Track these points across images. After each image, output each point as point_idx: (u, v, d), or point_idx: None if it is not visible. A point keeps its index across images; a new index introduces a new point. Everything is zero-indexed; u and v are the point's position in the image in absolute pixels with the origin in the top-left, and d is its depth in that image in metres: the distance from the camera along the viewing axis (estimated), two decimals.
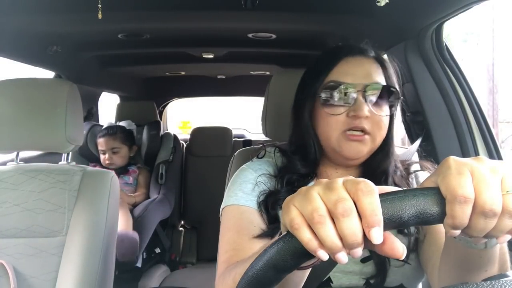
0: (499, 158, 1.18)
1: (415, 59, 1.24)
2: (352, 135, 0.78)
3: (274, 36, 1.65)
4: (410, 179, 0.86)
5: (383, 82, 0.81)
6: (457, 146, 1.20)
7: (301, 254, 0.41)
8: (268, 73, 2.69)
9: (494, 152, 1.17)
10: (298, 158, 0.87)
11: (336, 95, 0.79)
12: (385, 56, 0.89)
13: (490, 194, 0.38)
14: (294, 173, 0.85)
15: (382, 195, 0.40)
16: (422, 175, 0.87)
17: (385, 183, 0.81)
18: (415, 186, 0.84)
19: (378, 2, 0.99)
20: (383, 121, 0.79)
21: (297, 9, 1.30)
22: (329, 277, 0.78)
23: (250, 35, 1.64)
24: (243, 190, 0.84)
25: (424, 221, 0.40)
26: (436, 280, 0.69)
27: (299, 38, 1.73)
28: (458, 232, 0.40)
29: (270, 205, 0.81)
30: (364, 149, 0.79)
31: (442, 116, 1.22)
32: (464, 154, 1.17)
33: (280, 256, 0.42)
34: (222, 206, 0.86)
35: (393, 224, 0.40)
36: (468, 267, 0.56)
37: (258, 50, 1.92)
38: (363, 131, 0.78)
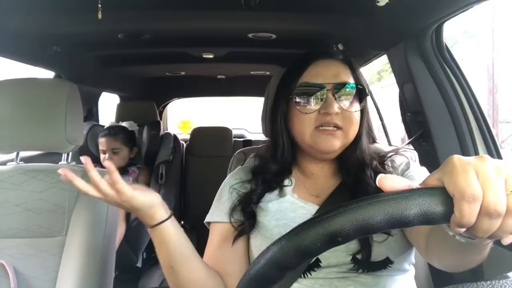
0: (499, 158, 1.17)
1: (415, 59, 1.24)
2: (324, 129, 0.84)
3: (274, 36, 1.65)
4: (386, 166, 0.90)
5: (352, 81, 0.87)
6: (457, 146, 1.20)
7: (304, 252, 0.41)
8: (268, 73, 2.69)
9: (494, 152, 1.17)
10: (270, 158, 0.93)
11: (308, 95, 0.85)
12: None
13: (495, 194, 0.38)
14: (266, 173, 0.91)
15: (387, 195, 0.40)
16: (397, 159, 0.92)
17: (362, 172, 0.86)
18: (392, 170, 0.89)
19: (378, 2, 0.99)
20: (354, 116, 0.86)
21: (297, 9, 1.29)
22: (317, 258, 0.80)
23: (250, 35, 1.64)
24: (218, 207, 0.92)
25: (429, 220, 0.40)
26: (428, 255, 0.71)
27: (299, 38, 1.72)
28: (463, 230, 0.40)
29: (244, 204, 0.88)
30: (336, 143, 0.84)
31: (442, 116, 1.22)
32: (464, 154, 1.17)
33: (283, 254, 0.41)
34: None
35: (398, 223, 0.39)
36: (464, 252, 0.56)
37: (258, 50, 1.92)
38: (336, 126, 0.84)
